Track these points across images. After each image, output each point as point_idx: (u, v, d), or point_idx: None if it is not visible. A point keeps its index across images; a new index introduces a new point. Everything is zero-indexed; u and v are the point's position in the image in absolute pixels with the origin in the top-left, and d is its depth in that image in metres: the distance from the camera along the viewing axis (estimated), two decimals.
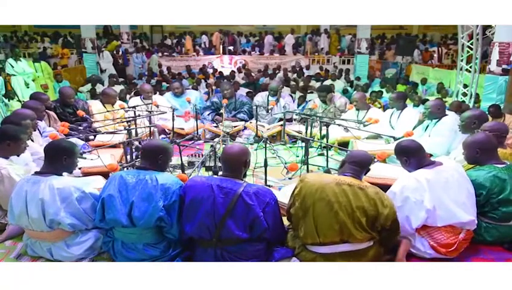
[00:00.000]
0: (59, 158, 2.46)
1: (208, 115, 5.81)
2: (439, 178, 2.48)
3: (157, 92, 6.72)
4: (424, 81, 9.87)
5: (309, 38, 14.92)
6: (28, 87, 7.35)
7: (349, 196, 2.23)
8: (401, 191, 2.48)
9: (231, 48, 14.94)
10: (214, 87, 9.38)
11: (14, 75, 7.35)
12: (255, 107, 5.18)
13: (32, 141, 3.51)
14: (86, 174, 3.22)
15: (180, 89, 6.15)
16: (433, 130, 3.89)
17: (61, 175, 2.49)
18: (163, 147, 2.50)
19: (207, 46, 15.09)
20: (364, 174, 2.49)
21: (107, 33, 15.56)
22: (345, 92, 9.18)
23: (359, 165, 2.41)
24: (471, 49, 7.60)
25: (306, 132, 4.66)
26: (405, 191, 2.46)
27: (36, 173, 2.46)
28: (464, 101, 7.34)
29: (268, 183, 3.57)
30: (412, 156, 2.62)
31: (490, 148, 2.77)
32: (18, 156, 2.90)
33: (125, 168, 3.32)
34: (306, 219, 2.28)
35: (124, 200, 2.29)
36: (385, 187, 2.51)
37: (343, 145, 4.31)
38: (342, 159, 2.62)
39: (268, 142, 3.99)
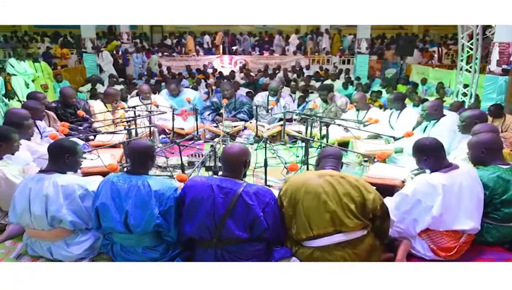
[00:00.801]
0: (62, 156, 2.50)
1: (208, 115, 5.80)
2: (454, 183, 2.43)
3: (157, 92, 6.72)
4: (424, 81, 9.87)
5: (310, 38, 14.91)
6: (28, 87, 7.33)
7: (334, 185, 2.26)
8: (413, 193, 2.46)
9: (234, 47, 14.88)
10: (214, 87, 9.38)
11: (15, 75, 7.34)
12: (255, 107, 5.18)
13: (30, 140, 3.51)
14: (86, 174, 3.21)
15: (176, 91, 6.28)
16: (432, 131, 3.87)
17: (65, 173, 2.51)
18: (151, 147, 2.49)
19: (210, 46, 15.07)
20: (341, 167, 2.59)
21: (111, 33, 15.54)
22: (344, 86, 9.22)
23: (335, 157, 2.54)
24: (471, 49, 7.60)
25: (306, 132, 4.66)
26: (417, 194, 2.44)
27: (40, 171, 2.51)
28: (464, 102, 7.34)
29: (268, 183, 3.57)
30: (434, 154, 2.55)
31: (495, 149, 2.76)
32: (13, 154, 2.91)
33: (125, 168, 3.31)
34: (297, 215, 2.29)
35: (118, 208, 2.29)
36: (385, 187, 2.50)
37: (343, 145, 4.29)
38: (317, 157, 2.71)
39: (268, 142, 3.99)
